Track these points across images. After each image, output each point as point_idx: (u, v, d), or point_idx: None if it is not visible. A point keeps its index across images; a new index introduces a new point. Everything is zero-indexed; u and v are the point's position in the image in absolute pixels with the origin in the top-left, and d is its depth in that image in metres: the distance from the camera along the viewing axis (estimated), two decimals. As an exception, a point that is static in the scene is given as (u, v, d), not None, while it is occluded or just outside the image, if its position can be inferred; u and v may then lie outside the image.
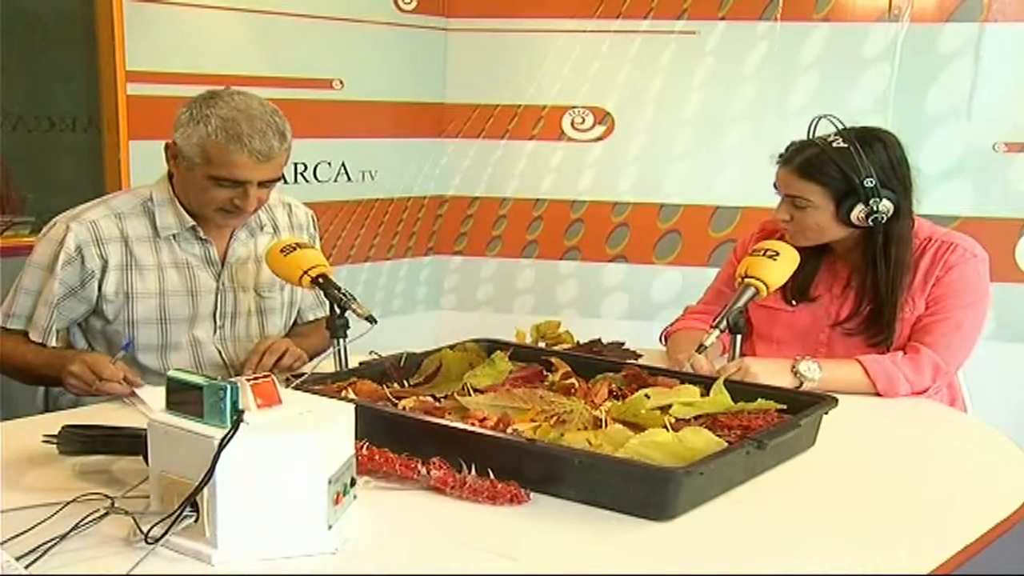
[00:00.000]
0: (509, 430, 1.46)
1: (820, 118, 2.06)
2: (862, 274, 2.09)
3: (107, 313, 1.99)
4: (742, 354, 1.95)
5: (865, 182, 1.97)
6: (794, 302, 2.15)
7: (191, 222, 2.01)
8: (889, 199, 1.99)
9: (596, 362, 1.85)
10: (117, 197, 2.06)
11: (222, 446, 1.11)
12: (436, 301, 3.93)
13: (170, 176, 2.04)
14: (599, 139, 3.72)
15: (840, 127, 2.04)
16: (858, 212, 2.00)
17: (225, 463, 1.11)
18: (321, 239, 2.31)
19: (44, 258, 1.97)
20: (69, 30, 3.05)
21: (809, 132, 2.07)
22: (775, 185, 2.08)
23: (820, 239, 2.08)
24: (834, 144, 2.01)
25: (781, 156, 2.08)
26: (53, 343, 1.99)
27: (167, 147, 1.97)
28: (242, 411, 1.14)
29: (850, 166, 1.98)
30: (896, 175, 2.02)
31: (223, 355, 2.07)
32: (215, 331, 2.07)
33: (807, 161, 2.02)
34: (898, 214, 2.02)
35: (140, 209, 2.02)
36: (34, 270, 1.98)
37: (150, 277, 2.00)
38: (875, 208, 1.98)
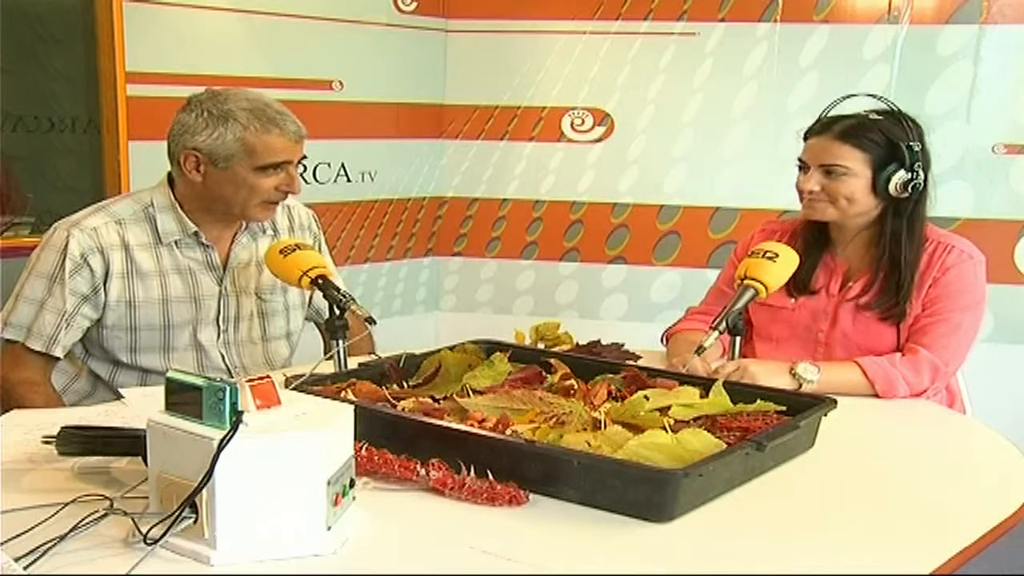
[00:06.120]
0: (508, 431, 1.46)
1: (847, 97, 2.08)
2: (871, 257, 2.09)
3: (106, 320, 1.97)
4: (741, 355, 1.95)
5: (911, 145, 1.98)
6: (794, 298, 2.14)
7: (193, 227, 2.00)
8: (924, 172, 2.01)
9: (595, 363, 1.85)
10: (117, 203, 2.03)
11: (221, 447, 1.11)
12: (435, 302, 3.93)
13: (170, 182, 2.02)
14: (599, 140, 3.73)
15: (877, 98, 2.05)
16: (897, 180, 2.00)
17: (224, 464, 1.11)
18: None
19: (47, 266, 1.93)
20: (69, 30, 3.05)
21: (832, 111, 2.07)
22: (800, 159, 2.08)
23: (846, 213, 2.06)
24: (871, 117, 2.03)
25: (811, 129, 2.08)
26: (58, 353, 1.94)
27: (184, 158, 1.94)
28: (241, 412, 1.14)
29: (894, 132, 2.00)
30: (924, 155, 2.04)
31: (226, 360, 2.08)
32: (219, 335, 2.06)
33: (850, 127, 2.03)
34: (923, 194, 2.04)
35: (141, 215, 2.00)
36: (37, 279, 1.94)
37: (152, 284, 1.99)
38: (917, 174, 1.99)
